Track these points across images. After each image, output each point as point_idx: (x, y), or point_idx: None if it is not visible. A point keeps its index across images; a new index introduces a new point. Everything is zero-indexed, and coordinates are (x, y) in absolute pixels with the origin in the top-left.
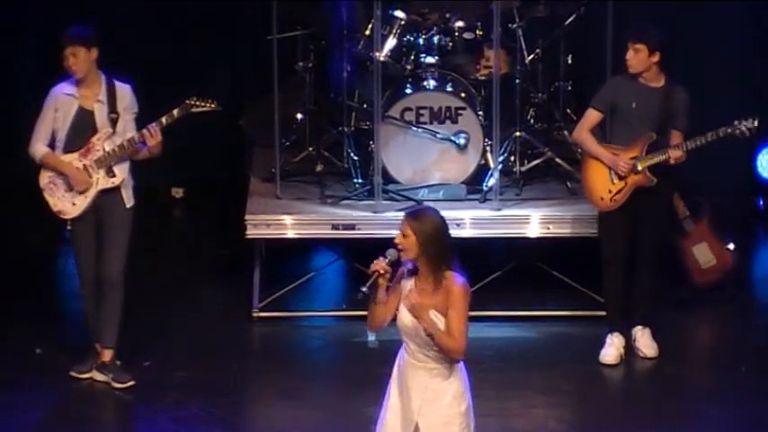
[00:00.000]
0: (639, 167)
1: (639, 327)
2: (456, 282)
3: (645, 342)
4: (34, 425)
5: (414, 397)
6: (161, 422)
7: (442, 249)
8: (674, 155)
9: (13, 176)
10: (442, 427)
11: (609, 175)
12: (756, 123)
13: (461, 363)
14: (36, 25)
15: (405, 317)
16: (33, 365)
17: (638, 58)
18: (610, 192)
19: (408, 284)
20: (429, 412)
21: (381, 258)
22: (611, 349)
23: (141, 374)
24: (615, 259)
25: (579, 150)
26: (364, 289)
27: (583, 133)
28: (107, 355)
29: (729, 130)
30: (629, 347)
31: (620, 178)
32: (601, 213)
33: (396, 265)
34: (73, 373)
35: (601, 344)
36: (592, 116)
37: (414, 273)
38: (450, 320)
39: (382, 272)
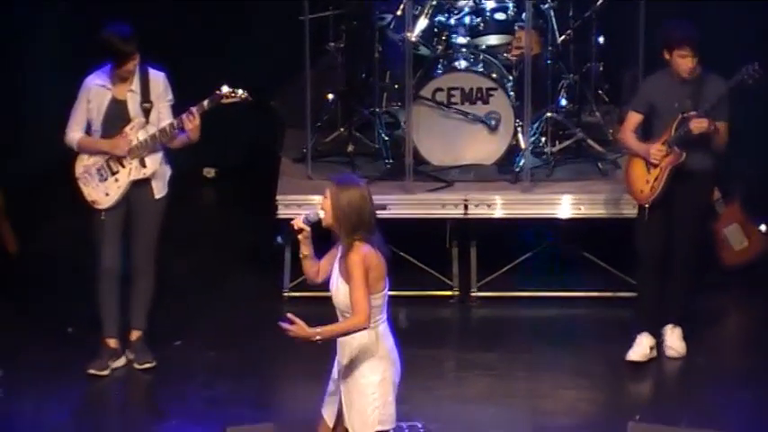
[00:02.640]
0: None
1: (671, 325)
2: (356, 252)
3: (674, 341)
4: (65, 409)
5: (339, 363)
6: (191, 402)
7: (356, 221)
8: (695, 124)
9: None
10: (355, 396)
11: (645, 168)
12: (758, 67)
13: (387, 333)
14: (45, 24)
15: (331, 281)
16: (62, 348)
17: (694, 62)
18: (647, 182)
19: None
20: (347, 380)
21: (301, 216)
22: (639, 348)
23: (171, 354)
24: (650, 260)
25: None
26: (279, 239)
27: (626, 134)
28: (134, 335)
29: (739, 78)
30: (658, 345)
31: (655, 166)
32: (638, 215)
33: (316, 225)
34: (92, 371)
35: (630, 342)
36: (633, 118)
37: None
38: (350, 291)
39: (297, 228)
